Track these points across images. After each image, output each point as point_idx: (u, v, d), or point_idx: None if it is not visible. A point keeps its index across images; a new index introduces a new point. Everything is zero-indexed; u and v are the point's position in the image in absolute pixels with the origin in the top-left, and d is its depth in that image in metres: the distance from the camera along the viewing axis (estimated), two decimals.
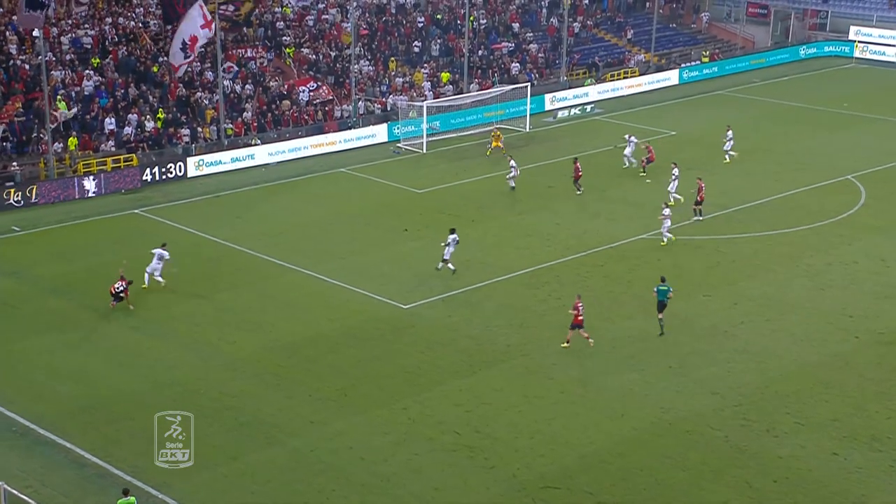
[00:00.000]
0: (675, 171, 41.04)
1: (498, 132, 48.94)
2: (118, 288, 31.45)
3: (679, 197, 40.50)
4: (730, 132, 47.34)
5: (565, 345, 29.21)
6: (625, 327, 30.74)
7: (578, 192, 42.52)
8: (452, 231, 34.47)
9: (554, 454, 24.38)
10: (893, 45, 69.33)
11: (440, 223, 38.17)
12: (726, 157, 46.59)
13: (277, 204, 42.49)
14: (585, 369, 28.32)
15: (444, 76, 58.24)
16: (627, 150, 46.02)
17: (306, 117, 51.86)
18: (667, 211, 37.11)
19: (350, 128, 51.68)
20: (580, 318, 28.90)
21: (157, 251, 33.30)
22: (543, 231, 38.67)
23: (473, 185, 44.67)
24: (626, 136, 46.81)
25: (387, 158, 49.08)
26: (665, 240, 36.99)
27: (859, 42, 70.22)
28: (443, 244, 34.20)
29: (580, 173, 42.86)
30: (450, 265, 34.27)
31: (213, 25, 45.58)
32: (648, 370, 28.22)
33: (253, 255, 36.33)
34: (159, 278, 33.04)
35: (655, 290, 30.28)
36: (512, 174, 43.26)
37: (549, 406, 26.46)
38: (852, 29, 71.56)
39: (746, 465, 23.99)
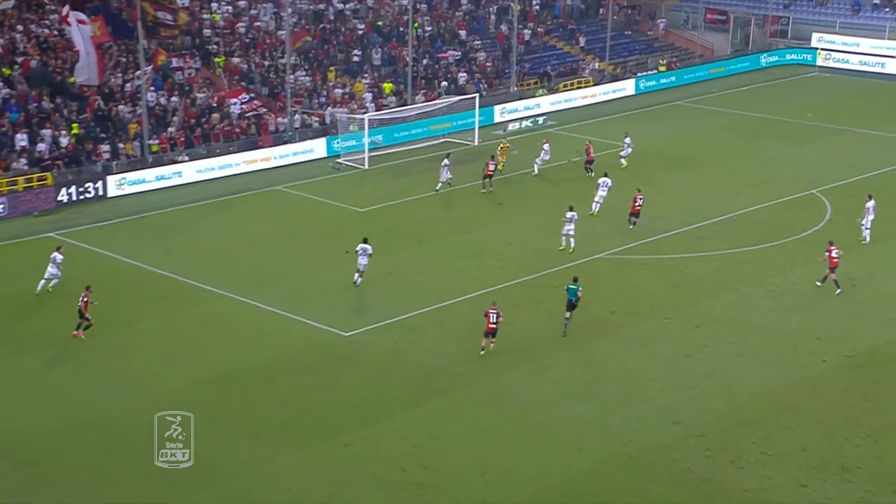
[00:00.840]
0: (607, 181, 42.17)
1: (507, 145, 49.46)
2: (81, 301, 30.98)
3: (595, 209, 41.59)
4: (628, 139, 48.98)
5: (482, 353, 30.37)
6: (583, 352, 30.96)
7: (487, 191, 44.56)
8: (364, 240, 35.10)
9: (507, 490, 24.39)
10: (857, 53, 71.02)
11: (385, 244, 38.16)
12: (623, 161, 48.48)
13: (208, 225, 42.14)
14: (540, 398, 28.43)
15: (387, 87, 58.42)
16: (538, 159, 47.32)
17: (238, 131, 51.61)
18: (570, 214, 38.03)
19: (286, 142, 51.51)
20: (492, 325, 30.15)
21: (53, 255, 33.20)
22: (495, 251, 38.86)
23: (420, 203, 44.76)
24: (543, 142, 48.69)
25: (326, 175, 48.97)
26: (563, 243, 38.04)
27: (822, 49, 71.84)
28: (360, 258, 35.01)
29: (490, 171, 44.69)
30: (357, 276, 34.91)
31: (71, 18, 44.59)
32: (607, 398, 28.43)
33: (181, 281, 35.97)
34: (42, 283, 33.03)
35: (566, 288, 31.94)
36: (444, 177, 45.22)
37: (502, 438, 26.51)
38: (815, 36, 73.23)
39: (711, 499, 24.22)
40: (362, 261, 34.93)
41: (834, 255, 35.01)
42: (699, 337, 32.04)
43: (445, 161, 45.80)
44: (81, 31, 44.65)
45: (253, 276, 36.44)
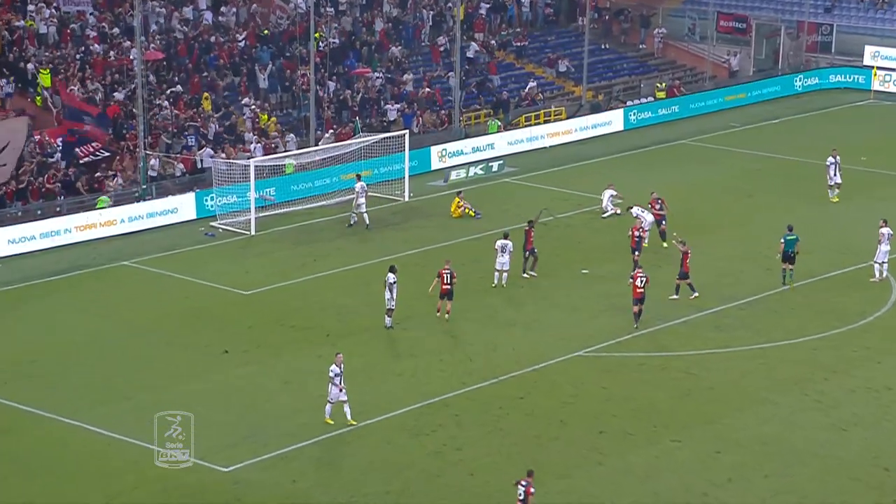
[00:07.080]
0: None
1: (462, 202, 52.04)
2: None
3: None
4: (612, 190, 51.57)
5: (444, 315, 39.50)
6: (559, 490, 30.92)
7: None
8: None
9: None
10: None
11: (279, 339, 37.92)
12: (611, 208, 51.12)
13: (26, 317, 41.70)
14: None
15: (264, 118, 58.26)
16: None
17: (69, 184, 51.33)
18: (503, 242, 43.37)
19: (138, 199, 51.30)
20: (446, 286, 38.72)
21: None
22: (435, 349, 38.88)
23: (329, 282, 44.73)
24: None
25: (196, 244, 48.87)
26: (496, 280, 43.21)
27: (878, 69, 73.37)
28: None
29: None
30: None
31: None
32: None
33: None
34: None
35: (783, 240, 42.93)
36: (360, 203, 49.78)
37: None
38: (868, 50, 74.87)
39: None
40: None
41: (638, 283, 39.54)
42: (720, 468, 32.16)
43: (360, 185, 49.41)
44: None
45: (90, 389, 36.04)
